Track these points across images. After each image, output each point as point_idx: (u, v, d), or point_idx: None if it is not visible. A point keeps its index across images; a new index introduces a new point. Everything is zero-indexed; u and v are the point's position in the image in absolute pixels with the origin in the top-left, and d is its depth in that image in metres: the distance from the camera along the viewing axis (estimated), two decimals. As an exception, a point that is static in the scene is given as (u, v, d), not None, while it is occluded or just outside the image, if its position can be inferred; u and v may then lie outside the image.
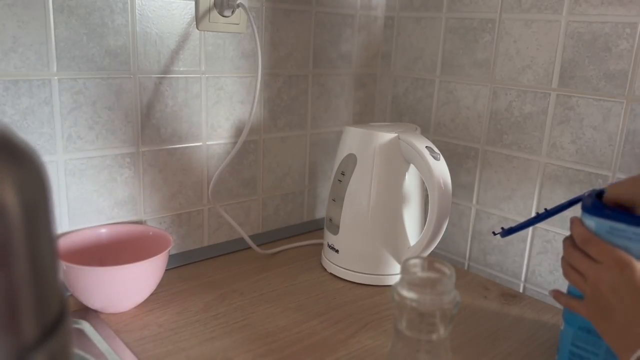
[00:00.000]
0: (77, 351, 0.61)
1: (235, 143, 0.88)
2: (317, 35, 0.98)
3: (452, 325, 0.51)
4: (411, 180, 0.83)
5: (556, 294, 0.61)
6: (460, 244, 0.99)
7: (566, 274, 0.59)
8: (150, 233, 0.80)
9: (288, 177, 1.01)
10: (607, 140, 0.79)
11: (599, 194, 0.59)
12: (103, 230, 0.78)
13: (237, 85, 0.89)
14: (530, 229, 0.88)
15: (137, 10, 0.76)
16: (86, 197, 0.77)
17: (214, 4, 0.82)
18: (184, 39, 0.81)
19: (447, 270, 0.51)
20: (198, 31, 0.83)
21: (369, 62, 1.08)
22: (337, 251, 0.87)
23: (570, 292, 0.60)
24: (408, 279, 0.50)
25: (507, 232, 0.70)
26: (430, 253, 0.82)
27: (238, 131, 0.91)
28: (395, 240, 0.84)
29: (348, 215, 0.84)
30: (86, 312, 0.71)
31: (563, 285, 0.83)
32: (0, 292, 0.23)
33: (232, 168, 0.92)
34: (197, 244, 0.91)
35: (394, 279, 0.84)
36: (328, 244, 0.89)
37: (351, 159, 0.84)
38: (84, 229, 0.77)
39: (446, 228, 0.94)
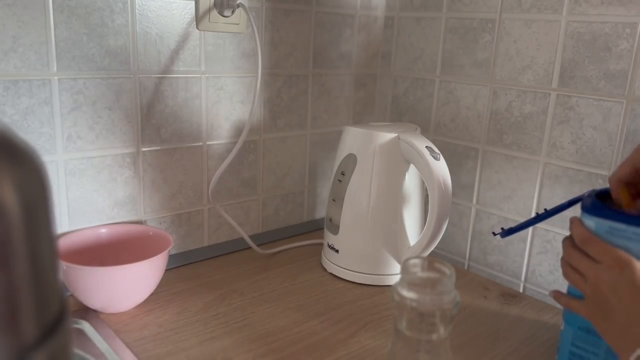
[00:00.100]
0: (77, 351, 0.61)
1: (235, 143, 0.88)
2: (317, 35, 0.98)
3: (452, 325, 0.51)
4: (411, 180, 0.83)
5: (556, 294, 0.61)
6: (460, 244, 0.99)
7: (566, 274, 0.59)
8: (150, 233, 0.80)
9: (288, 177, 1.01)
10: (607, 140, 0.79)
11: (599, 194, 0.59)
12: (103, 230, 0.78)
13: (237, 85, 0.89)
14: (530, 229, 0.88)
15: (137, 10, 0.76)
16: (86, 197, 0.77)
17: (214, 4, 0.82)
18: (184, 39, 0.81)
19: (447, 270, 0.51)
20: (198, 31, 0.83)
21: (369, 62, 1.08)
22: (337, 251, 0.87)
23: (569, 292, 0.60)
24: (408, 279, 0.50)
25: (507, 232, 0.70)
26: (430, 253, 0.82)
27: (238, 131, 0.91)
28: (395, 240, 0.84)
29: (348, 215, 0.84)
30: (86, 312, 0.71)
31: (563, 285, 0.83)
32: (0, 292, 0.23)
33: (232, 168, 0.92)
34: (197, 244, 0.91)
35: (394, 279, 0.84)
36: (328, 244, 0.89)
37: (351, 159, 0.84)
38: (84, 229, 0.77)
39: (446, 228, 0.94)
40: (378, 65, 1.10)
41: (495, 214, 0.93)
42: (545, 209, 0.66)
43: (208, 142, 0.88)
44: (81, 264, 0.68)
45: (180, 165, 0.86)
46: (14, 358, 0.24)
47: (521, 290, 0.91)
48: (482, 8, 0.91)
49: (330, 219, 0.88)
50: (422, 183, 0.85)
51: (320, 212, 1.09)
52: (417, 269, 0.52)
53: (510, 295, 0.84)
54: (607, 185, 0.79)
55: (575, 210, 0.62)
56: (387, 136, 0.81)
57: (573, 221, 0.58)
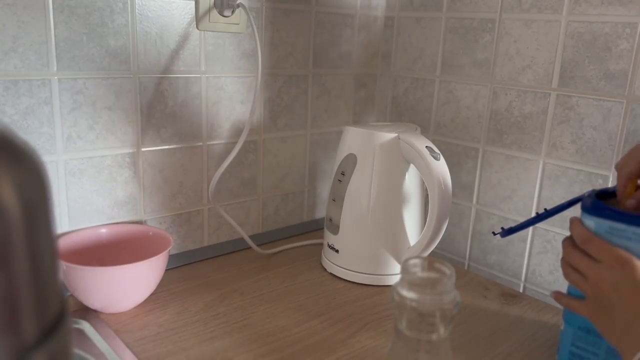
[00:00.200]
0: (77, 351, 0.61)
1: (235, 143, 0.88)
2: (317, 35, 0.98)
3: (452, 325, 0.51)
4: (411, 180, 0.83)
5: (557, 295, 0.61)
6: (460, 244, 0.99)
7: (566, 275, 0.59)
8: (150, 233, 0.80)
9: (288, 177, 1.01)
10: (607, 140, 0.79)
11: (599, 194, 0.59)
12: (103, 230, 0.78)
13: (237, 85, 0.89)
14: (530, 229, 0.88)
15: (137, 10, 0.76)
16: (86, 197, 0.77)
17: (214, 4, 0.82)
18: (184, 39, 0.81)
19: (447, 270, 0.51)
20: (198, 31, 0.83)
21: (369, 62, 1.08)
22: (337, 251, 0.87)
23: (570, 293, 0.60)
24: (408, 279, 0.50)
25: (507, 232, 0.70)
26: (430, 253, 0.82)
27: (238, 131, 0.91)
28: (395, 240, 0.84)
29: (348, 215, 0.84)
30: (86, 312, 0.71)
31: (563, 285, 0.83)
32: (0, 292, 0.23)
33: (232, 168, 0.92)
34: (197, 244, 0.91)
35: (394, 279, 0.84)
36: (328, 244, 0.89)
37: (351, 159, 0.84)
38: (84, 229, 0.77)
39: (446, 228, 0.94)
40: (378, 65, 1.10)
41: (495, 214, 0.93)
42: (545, 209, 0.66)
43: (208, 142, 0.88)
44: (81, 264, 0.68)
45: (180, 165, 0.86)
46: (14, 358, 0.24)
47: (521, 290, 0.91)
48: (482, 8, 0.91)
49: (330, 219, 0.88)
50: (422, 183, 0.85)
51: (320, 212, 1.09)
52: (417, 269, 0.52)
53: (510, 295, 0.84)
54: (607, 185, 0.79)
55: (575, 210, 0.62)
56: (387, 136, 0.81)
57: (573, 221, 0.58)
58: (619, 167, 0.58)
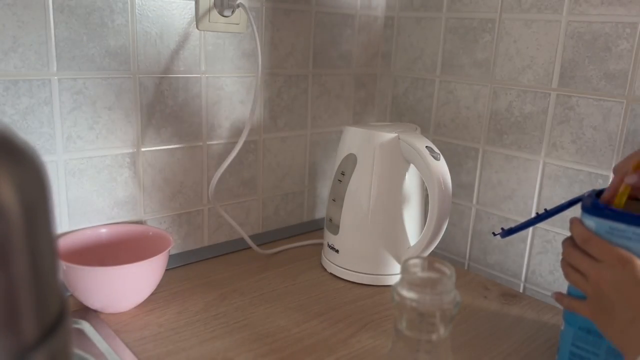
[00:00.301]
0: (77, 351, 0.61)
1: (235, 143, 0.88)
2: (317, 35, 0.98)
3: (452, 325, 0.51)
4: (411, 180, 0.83)
5: (558, 296, 0.61)
6: (460, 244, 0.99)
7: (567, 275, 0.59)
8: (150, 233, 0.80)
9: (288, 177, 1.01)
10: (607, 140, 0.79)
11: (599, 194, 0.59)
12: (103, 230, 0.78)
13: (237, 85, 0.89)
14: (530, 229, 0.88)
15: (137, 10, 0.76)
16: (86, 197, 0.77)
17: (214, 4, 0.82)
18: (184, 39, 0.81)
19: (447, 270, 0.51)
20: (198, 31, 0.83)
21: (369, 62, 1.08)
22: (337, 251, 0.87)
23: (570, 293, 0.60)
24: (408, 279, 0.50)
25: (507, 232, 0.70)
26: (430, 253, 0.82)
27: (238, 131, 0.91)
28: (395, 240, 0.84)
29: (348, 215, 0.84)
30: (86, 312, 0.71)
31: (563, 285, 0.83)
32: (0, 292, 0.23)
33: (232, 168, 0.92)
34: (197, 244, 0.91)
35: (394, 279, 0.84)
36: (328, 244, 0.89)
37: (351, 159, 0.84)
38: (84, 229, 0.77)
39: (446, 228, 0.94)
40: (378, 65, 1.10)
41: (495, 214, 0.93)
42: (545, 209, 0.66)
43: (208, 142, 0.88)
44: (81, 264, 0.68)
45: (180, 165, 0.86)
46: (14, 358, 0.24)
47: (521, 290, 0.91)
48: (482, 8, 0.91)
49: (330, 219, 0.88)
50: (422, 183, 0.85)
51: (320, 212, 1.09)
52: (417, 269, 0.52)
53: (510, 295, 0.84)
54: (607, 185, 0.79)
55: (575, 210, 0.62)
56: (387, 136, 0.81)
57: (573, 221, 0.58)
58: (616, 169, 0.58)
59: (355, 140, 0.84)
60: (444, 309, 0.49)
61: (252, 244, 0.92)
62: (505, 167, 0.91)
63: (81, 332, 0.66)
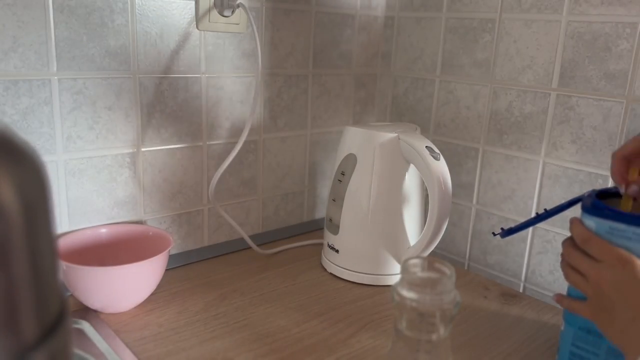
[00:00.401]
0: (77, 351, 0.61)
1: (235, 143, 0.88)
2: (317, 35, 0.98)
3: (452, 325, 0.51)
4: (411, 180, 0.83)
5: (558, 298, 0.61)
6: (460, 244, 0.99)
7: (567, 276, 0.59)
8: (150, 233, 0.80)
9: (288, 177, 1.01)
10: (607, 140, 0.79)
11: (599, 194, 0.59)
12: (103, 230, 0.78)
13: (237, 85, 0.89)
14: (530, 229, 0.88)
15: (137, 10, 0.76)
16: (86, 197, 0.77)
17: (214, 4, 0.82)
18: (184, 39, 0.81)
19: (447, 270, 0.51)
20: (198, 31, 0.83)
21: (369, 62, 1.08)
22: (337, 251, 0.87)
23: (569, 294, 0.60)
24: (408, 279, 0.50)
25: (507, 232, 0.70)
26: (430, 253, 0.82)
27: (238, 131, 0.91)
28: (395, 240, 0.84)
29: (348, 215, 0.84)
30: (86, 312, 0.71)
31: (563, 285, 0.83)
32: (0, 292, 0.23)
33: (232, 168, 0.92)
34: (197, 244, 0.91)
35: (394, 279, 0.84)
36: (328, 244, 0.89)
37: (351, 159, 0.84)
38: (84, 229, 0.77)
39: (446, 228, 0.94)
40: (378, 65, 1.10)
41: (495, 214, 0.93)
42: (545, 209, 0.66)
43: (208, 142, 0.88)
44: (81, 264, 0.68)
45: (180, 165, 0.86)
46: (14, 358, 0.24)
47: (521, 290, 0.91)
48: (482, 8, 0.91)
49: (330, 219, 0.88)
50: (422, 183, 0.85)
51: (320, 212, 1.09)
52: (417, 269, 0.52)
53: (510, 295, 0.84)
54: (607, 185, 0.79)
55: (576, 210, 0.62)
56: (387, 136, 0.81)
57: (573, 221, 0.58)
58: (615, 155, 0.58)
59: (355, 140, 0.84)
60: (444, 309, 0.49)
61: (252, 244, 0.92)
62: (505, 167, 0.91)
63: (81, 332, 0.66)
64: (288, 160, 1.00)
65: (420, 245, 0.79)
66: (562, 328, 0.62)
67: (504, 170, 0.91)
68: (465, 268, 0.99)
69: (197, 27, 0.82)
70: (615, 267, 0.52)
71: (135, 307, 0.74)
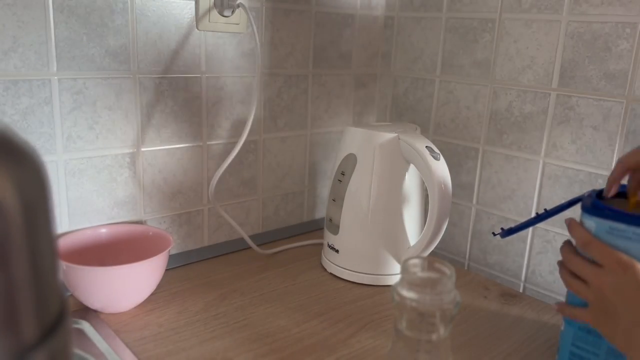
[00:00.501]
0: (77, 351, 0.61)
1: (235, 143, 0.88)
2: (317, 35, 0.98)
3: (452, 325, 0.51)
4: (411, 180, 0.83)
5: (560, 306, 0.61)
6: (460, 244, 0.99)
7: (567, 283, 0.58)
8: (150, 233, 0.80)
9: (288, 177, 1.01)
10: (607, 140, 0.79)
11: (599, 194, 0.59)
12: (103, 230, 0.78)
13: (237, 85, 0.89)
14: (530, 229, 0.88)
15: (137, 10, 0.76)
16: (86, 197, 0.77)
17: (214, 4, 0.82)
18: (184, 39, 0.81)
19: (447, 270, 0.51)
20: (198, 31, 0.83)
21: (369, 62, 1.08)
22: (337, 251, 0.87)
23: (569, 300, 0.60)
24: (408, 279, 0.50)
25: (507, 232, 0.70)
26: (430, 253, 0.82)
27: (238, 131, 0.91)
28: (395, 240, 0.84)
29: (348, 215, 0.84)
30: (86, 312, 0.71)
31: (563, 285, 0.83)
32: (0, 292, 0.23)
33: (232, 168, 0.92)
34: (197, 244, 0.91)
35: (394, 279, 0.84)
36: (328, 244, 0.89)
37: (351, 159, 0.84)
38: (84, 229, 0.77)
39: (446, 228, 0.94)
40: (378, 65, 1.10)
41: (495, 214, 0.93)
42: (545, 209, 0.66)
43: (208, 142, 0.88)
44: (81, 264, 0.68)
45: (180, 165, 0.86)
46: (14, 358, 0.24)
47: (521, 290, 0.91)
48: (482, 8, 0.91)
49: (330, 219, 0.88)
50: (422, 183, 0.85)
51: (320, 212, 1.09)
52: (417, 269, 0.52)
53: (510, 295, 0.84)
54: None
55: (575, 210, 0.62)
56: (387, 136, 0.81)
57: (571, 223, 0.58)
58: (621, 161, 0.58)
59: (355, 140, 0.84)
60: (444, 309, 0.49)
61: (252, 244, 0.92)
62: (505, 167, 0.91)
63: (81, 332, 0.66)
64: (288, 160, 1.00)
65: (420, 245, 0.79)
66: (562, 328, 0.62)
67: (504, 170, 0.91)
68: (465, 268, 0.99)
69: (197, 27, 0.82)
70: (616, 271, 0.52)
71: (135, 307, 0.74)
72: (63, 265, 0.67)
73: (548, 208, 0.66)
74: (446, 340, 0.50)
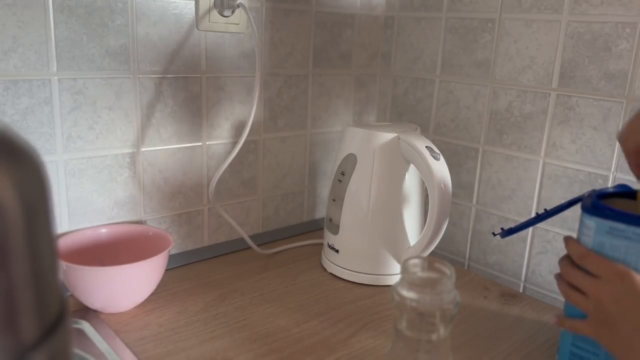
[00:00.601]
0: (77, 351, 0.61)
1: (235, 143, 0.88)
2: (317, 35, 0.98)
3: (452, 325, 0.51)
4: (411, 180, 0.83)
5: (559, 320, 0.61)
6: (460, 244, 0.99)
7: (566, 296, 0.59)
8: (150, 233, 0.80)
9: (288, 177, 1.01)
10: (607, 140, 0.79)
11: (599, 194, 0.59)
12: (103, 230, 0.78)
13: (237, 85, 0.89)
14: (530, 229, 0.88)
15: (137, 10, 0.76)
16: (86, 197, 0.77)
17: (214, 4, 0.82)
18: (184, 39, 0.81)
19: (447, 270, 0.51)
20: (198, 31, 0.83)
21: (369, 62, 1.08)
22: (337, 251, 0.87)
23: (567, 312, 0.60)
24: (408, 279, 0.50)
25: (507, 232, 0.70)
26: (430, 253, 0.82)
27: (238, 131, 0.91)
28: (395, 240, 0.84)
29: (348, 215, 0.84)
30: (86, 312, 0.71)
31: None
32: (0, 292, 0.23)
33: (232, 168, 0.92)
34: (197, 244, 0.91)
35: (394, 279, 0.84)
36: (328, 244, 0.89)
37: (351, 159, 0.84)
38: (84, 229, 0.77)
39: (446, 228, 0.94)
40: (378, 65, 1.10)
41: (495, 214, 0.93)
42: (545, 209, 0.66)
43: (208, 142, 0.88)
44: (81, 264, 0.68)
45: (180, 165, 0.86)
46: (14, 358, 0.24)
47: (521, 290, 0.91)
48: (482, 8, 0.91)
49: (330, 219, 0.88)
50: (422, 183, 0.85)
51: (320, 212, 1.09)
52: (417, 269, 0.52)
53: (510, 295, 0.84)
54: (607, 185, 0.79)
55: (576, 210, 0.62)
56: (387, 136, 0.81)
57: (568, 241, 0.59)
58: (622, 140, 0.56)
59: (355, 140, 0.84)
60: (444, 309, 0.49)
61: (252, 244, 0.92)
62: (505, 167, 0.91)
63: (81, 332, 0.66)
64: (288, 160, 1.00)
65: (420, 245, 0.79)
66: (562, 328, 0.62)
67: (503, 170, 0.91)
68: (465, 268, 0.99)
69: (197, 27, 0.82)
70: (614, 281, 0.53)
71: (135, 307, 0.74)
72: (63, 265, 0.67)
73: (548, 208, 0.66)
74: (446, 340, 0.50)
